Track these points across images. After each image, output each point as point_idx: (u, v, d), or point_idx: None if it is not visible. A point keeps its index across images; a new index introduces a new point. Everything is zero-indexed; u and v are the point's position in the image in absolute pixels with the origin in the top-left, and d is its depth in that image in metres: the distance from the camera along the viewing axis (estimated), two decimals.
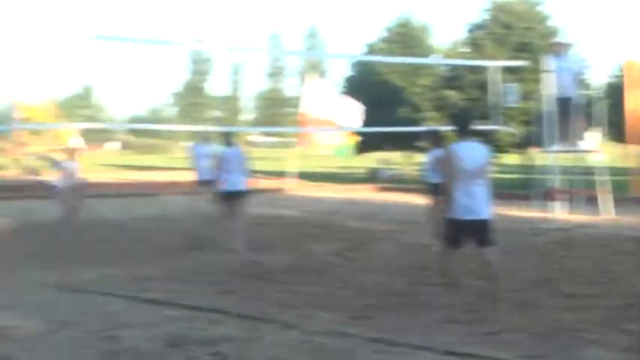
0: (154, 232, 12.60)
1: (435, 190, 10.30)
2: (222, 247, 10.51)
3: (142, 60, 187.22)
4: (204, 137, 15.51)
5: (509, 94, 15.90)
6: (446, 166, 6.96)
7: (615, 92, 38.81)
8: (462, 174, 6.79)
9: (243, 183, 10.98)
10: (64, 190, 13.24)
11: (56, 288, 7.80)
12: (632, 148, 18.40)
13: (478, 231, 6.86)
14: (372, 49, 34.11)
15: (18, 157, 27.70)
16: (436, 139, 11.04)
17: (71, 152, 14.19)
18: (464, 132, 7.10)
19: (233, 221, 10.88)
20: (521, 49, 24.39)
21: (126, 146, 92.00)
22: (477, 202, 6.81)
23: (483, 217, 6.87)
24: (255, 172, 12.32)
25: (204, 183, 13.45)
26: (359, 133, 24.35)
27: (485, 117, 23.78)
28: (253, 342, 5.70)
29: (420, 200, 11.96)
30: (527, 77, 23.80)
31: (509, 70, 22.78)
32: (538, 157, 15.97)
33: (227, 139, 11.37)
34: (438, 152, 10.28)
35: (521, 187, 23.66)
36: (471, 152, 6.91)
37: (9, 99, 9.84)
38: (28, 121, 29.86)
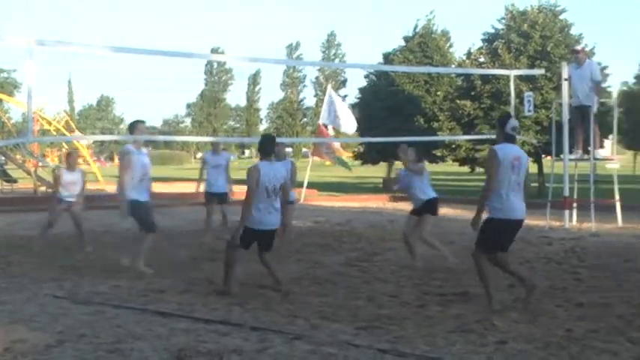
0: (166, 244, 12.59)
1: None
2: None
3: (158, 71, 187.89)
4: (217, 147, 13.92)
5: (526, 103, 15.84)
6: (251, 183, 7.67)
7: (629, 100, 38.69)
8: (262, 190, 7.63)
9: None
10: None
11: (67, 300, 7.83)
12: None
13: (270, 237, 7.94)
14: (388, 59, 34.11)
15: (35, 169, 27.77)
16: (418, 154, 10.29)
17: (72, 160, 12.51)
18: (266, 154, 7.83)
19: None
20: (539, 57, 24.32)
21: None
22: (274, 214, 7.82)
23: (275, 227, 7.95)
24: None
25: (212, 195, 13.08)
26: (369, 143, 24.36)
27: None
28: (262, 353, 5.69)
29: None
30: (544, 85, 23.73)
31: (525, 78, 22.70)
32: (554, 165, 15.94)
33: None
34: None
35: (536, 196, 23.61)
36: (271, 171, 7.73)
37: (27, 110, 9.54)
38: (45, 133, 30.08)
